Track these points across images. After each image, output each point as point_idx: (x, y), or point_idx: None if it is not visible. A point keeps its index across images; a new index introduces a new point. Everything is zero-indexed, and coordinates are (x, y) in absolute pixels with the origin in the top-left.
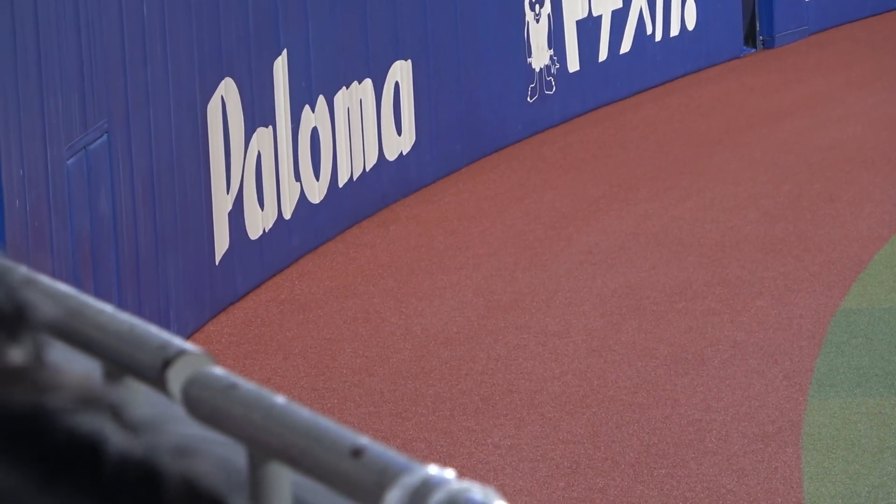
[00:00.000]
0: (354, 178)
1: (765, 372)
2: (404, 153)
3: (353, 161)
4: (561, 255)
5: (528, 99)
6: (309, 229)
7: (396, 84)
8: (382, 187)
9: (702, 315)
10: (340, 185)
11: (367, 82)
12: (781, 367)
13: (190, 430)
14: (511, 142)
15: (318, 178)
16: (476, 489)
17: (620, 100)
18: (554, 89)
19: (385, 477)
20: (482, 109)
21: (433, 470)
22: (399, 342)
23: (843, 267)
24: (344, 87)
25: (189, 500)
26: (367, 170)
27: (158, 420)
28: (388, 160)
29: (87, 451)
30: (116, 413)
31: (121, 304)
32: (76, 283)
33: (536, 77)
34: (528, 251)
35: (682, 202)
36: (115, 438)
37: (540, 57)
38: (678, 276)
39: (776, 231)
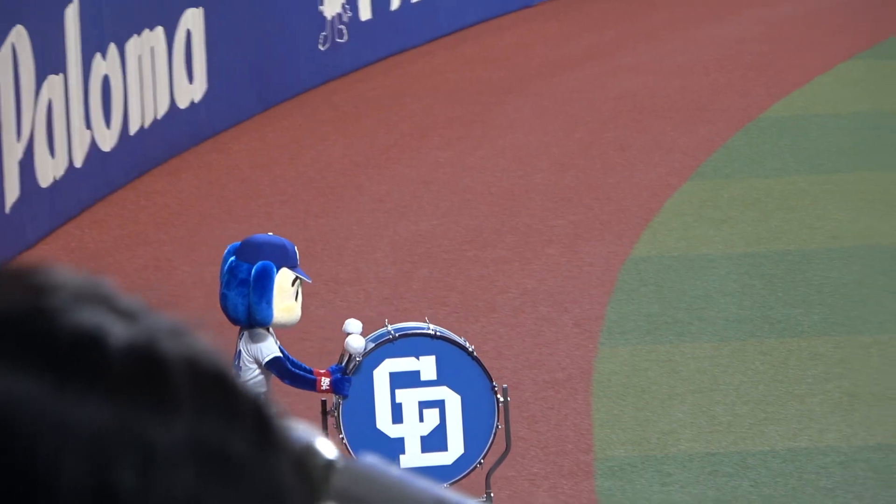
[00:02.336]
0: (146, 126)
1: (555, 319)
2: (196, 101)
3: (145, 109)
4: (352, 203)
5: (320, 47)
6: (100, 177)
7: (188, 32)
8: (174, 135)
9: (492, 263)
10: (132, 133)
11: (159, 30)
12: (572, 315)
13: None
14: (303, 90)
15: (109, 127)
16: (299, 427)
17: (412, 48)
18: (346, 37)
19: None
20: (274, 57)
21: None
22: (190, 291)
23: (633, 215)
24: (136, 35)
25: (196, 377)
26: (159, 118)
27: (146, 306)
28: (179, 108)
29: (94, 345)
30: (111, 304)
31: None
32: None
33: (328, 25)
34: (320, 199)
35: (474, 151)
36: (117, 329)
37: (332, 5)
38: (469, 224)
39: (567, 180)
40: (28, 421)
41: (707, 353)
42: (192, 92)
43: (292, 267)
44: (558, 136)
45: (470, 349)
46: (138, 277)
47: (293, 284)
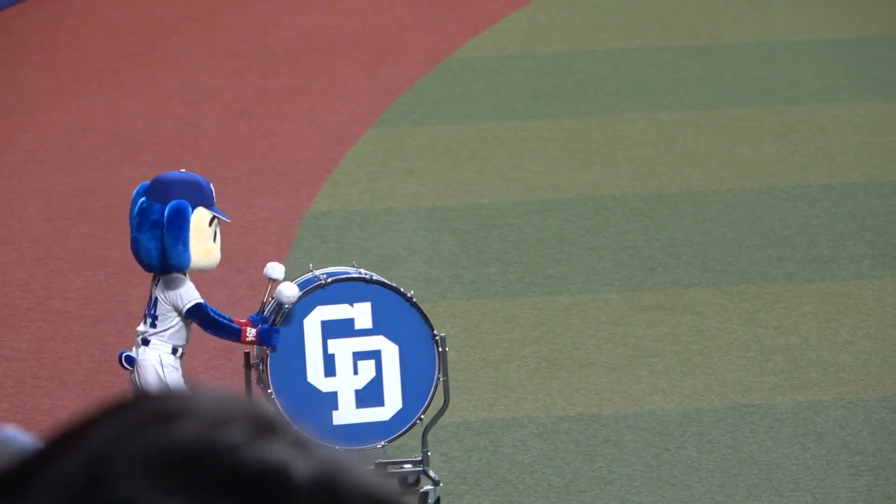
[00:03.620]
0: None
1: (228, 281)
2: None
3: None
4: (2, 155)
5: None
6: None
7: None
8: None
9: None
10: None
11: None
12: (245, 276)
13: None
14: None
15: None
16: None
17: None
18: None
19: None
20: None
21: None
22: None
23: (312, 166)
24: None
25: None
26: None
27: (309, 435)
28: None
29: (281, 480)
30: (285, 436)
31: None
32: None
33: None
34: None
35: (137, 95)
36: (298, 463)
37: None
38: (132, 176)
39: (239, 127)
40: None
41: None
42: None
43: (209, 206)
44: (230, 78)
45: (409, 295)
46: None
47: (210, 224)
